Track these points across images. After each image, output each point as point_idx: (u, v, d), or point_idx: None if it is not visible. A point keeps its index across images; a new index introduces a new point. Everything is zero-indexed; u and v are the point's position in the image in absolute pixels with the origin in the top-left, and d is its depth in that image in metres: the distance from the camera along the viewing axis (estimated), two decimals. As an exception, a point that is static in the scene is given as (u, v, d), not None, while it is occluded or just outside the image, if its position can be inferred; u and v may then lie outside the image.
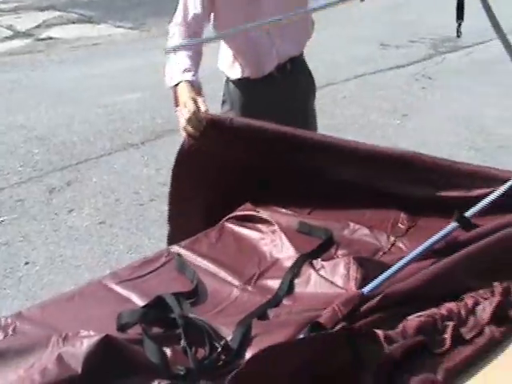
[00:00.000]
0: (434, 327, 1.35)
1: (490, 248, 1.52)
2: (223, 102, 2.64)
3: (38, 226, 3.93)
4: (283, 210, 1.96)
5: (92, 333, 1.33)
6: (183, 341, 1.36)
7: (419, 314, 1.38)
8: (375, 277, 1.47)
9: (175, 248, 1.81)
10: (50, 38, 8.20)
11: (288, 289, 1.58)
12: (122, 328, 1.42)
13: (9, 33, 8.55)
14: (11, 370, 1.27)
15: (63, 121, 5.44)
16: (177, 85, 2.10)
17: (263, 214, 1.90)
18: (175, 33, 2.27)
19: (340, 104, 5.52)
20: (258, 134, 1.98)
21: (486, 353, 1.33)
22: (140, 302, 1.55)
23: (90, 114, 5.55)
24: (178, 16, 2.31)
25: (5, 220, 4.01)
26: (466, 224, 1.64)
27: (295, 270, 1.63)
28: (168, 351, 1.35)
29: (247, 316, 1.46)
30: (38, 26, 8.65)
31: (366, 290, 1.43)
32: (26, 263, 3.57)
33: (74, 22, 8.80)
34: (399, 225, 1.84)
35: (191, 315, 1.44)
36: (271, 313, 1.50)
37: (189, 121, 1.93)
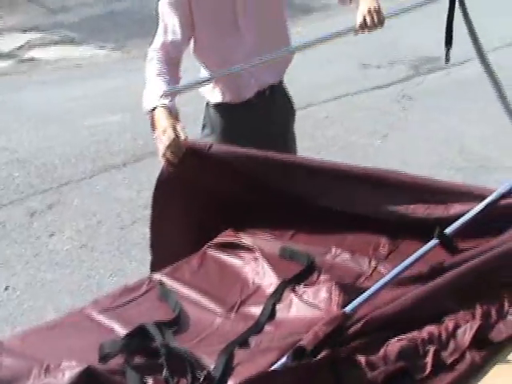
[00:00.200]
0: (416, 352, 1.36)
1: (471, 272, 1.53)
2: (203, 126, 2.64)
3: (18, 249, 3.89)
4: (265, 235, 1.96)
5: (74, 363, 1.33)
6: (165, 370, 1.36)
7: (400, 337, 1.39)
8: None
9: (157, 276, 1.81)
10: (33, 59, 8.18)
11: (270, 315, 1.59)
12: (103, 358, 1.41)
13: (-9, 54, 8.53)
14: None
15: (45, 143, 5.40)
16: (154, 109, 2.10)
17: (245, 239, 1.90)
18: (153, 57, 2.27)
19: (321, 125, 5.54)
20: (238, 159, 1.98)
21: (467, 378, 1.34)
22: (122, 331, 1.54)
23: (71, 136, 5.52)
24: (158, 41, 2.32)
25: (-15, 244, 3.98)
26: (447, 241, 1.66)
27: (277, 296, 1.63)
28: (150, 381, 1.35)
29: (229, 344, 1.46)
30: (21, 48, 8.62)
31: (348, 309, 1.44)
32: (6, 288, 3.53)
33: (56, 43, 8.78)
34: (380, 249, 1.85)
35: (173, 344, 1.44)
36: (253, 340, 1.50)
37: (168, 148, 1.94)
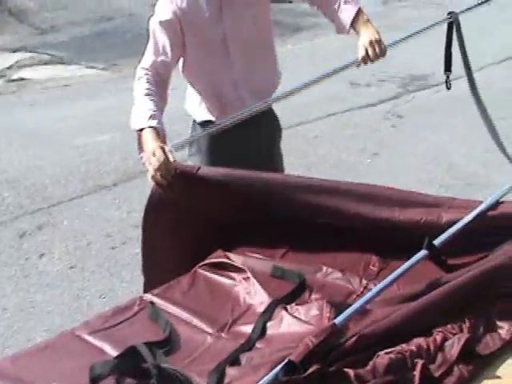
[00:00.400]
0: (404, 364, 1.36)
1: (461, 288, 1.54)
2: (190, 144, 2.65)
3: (8, 271, 3.86)
4: (256, 255, 1.96)
5: (65, 386, 1.32)
6: (157, 391, 1.35)
7: (389, 350, 1.39)
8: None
9: (147, 296, 1.80)
10: (22, 79, 8.18)
11: (261, 332, 1.59)
12: (94, 380, 1.40)
13: (-20, 75, 8.52)
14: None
15: (34, 163, 5.39)
16: (141, 129, 2.11)
17: (236, 259, 1.90)
18: (142, 77, 2.27)
19: (311, 143, 5.56)
20: (226, 181, 2.00)
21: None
22: (113, 352, 1.53)
23: (61, 156, 5.51)
24: (148, 59, 2.32)
25: (-26, 265, 3.95)
26: (435, 252, 1.67)
27: (268, 314, 1.63)
28: (141, 402, 1.34)
29: (220, 363, 1.46)
30: (10, 67, 8.62)
31: (337, 320, 1.45)
32: (-4, 310, 3.51)
33: (45, 63, 8.79)
34: (371, 267, 1.86)
35: (164, 365, 1.43)
36: (244, 357, 1.50)
37: (158, 170, 1.95)
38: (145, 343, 1.49)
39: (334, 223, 1.92)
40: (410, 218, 1.82)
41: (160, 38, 2.32)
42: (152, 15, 2.38)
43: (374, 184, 2.00)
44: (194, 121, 2.62)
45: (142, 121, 2.12)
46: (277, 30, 2.56)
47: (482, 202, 1.79)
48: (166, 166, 1.95)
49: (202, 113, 2.56)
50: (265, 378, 1.30)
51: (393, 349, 1.39)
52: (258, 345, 1.55)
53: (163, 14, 2.33)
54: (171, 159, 1.97)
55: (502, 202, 1.81)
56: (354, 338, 1.41)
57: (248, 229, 2.04)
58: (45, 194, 4.85)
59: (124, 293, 3.50)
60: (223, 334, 1.61)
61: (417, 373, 1.34)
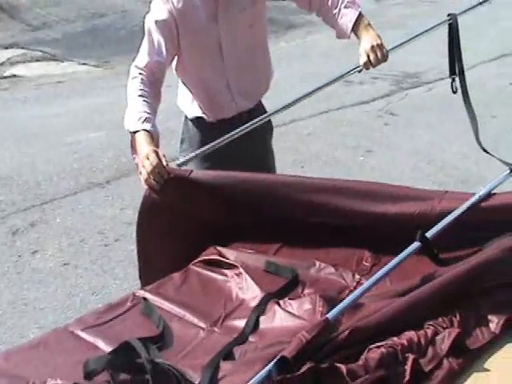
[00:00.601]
0: (395, 359, 1.37)
1: (452, 283, 1.55)
2: (182, 141, 2.66)
3: (1, 268, 3.86)
4: (249, 251, 1.96)
5: (59, 381, 1.32)
6: (151, 386, 1.35)
7: (380, 343, 1.40)
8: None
9: (140, 292, 1.80)
10: (14, 76, 8.15)
11: (254, 326, 1.59)
12: (88, 375, 1.40)
13: (-29, 71, 8.49)
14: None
15: (27, 160, 5.38)
16: (135, 132, 2.11)
17: (229, 255, 1.91)
18: (137, 76, 2.26)
19: (305, 140, 5.57)
20: (217, 182, 2.01)
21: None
22: (106, 347, 1.53)
23: (53, 153, 5.50)
24: (142, 59, 2.31)
25: (-33, 262, 3.94)
26: (428, 243, 1.67)
27: (261, 309, 1.64)
28: (135, 397, 1.34)
29: (214, 357, 1.46)
30: (2, 64, 8.59)
31: (330, 315, 1.45)
32: (-11, 307, 3.50)
33: (38, 60, 8.76)
34: (364, 262, 1.86)
35: (158, 360, 1.43)
36: (238, 351, 1.50)
37: (151, 173, 1.96)
38: (138, 338, 1.49)
39: (329, 220, 1.92)
40: (403, 211, 1.83)
41: (155, 37, 2.31)
42: (147, 12, 2.38)
43: (367, 181, 2.01)
44: (186, 117, 2.63)
45: (135, 123, 2.12)
46: (270, 28, 2.56)
47: (474, 194, 1.80)
48: (159, 170, 1.97)
49: (194, 109, 2.57)
50: (258, 375, 1.31)
51: (384, 342, 1.40)
52: (251, 338, 1.56)
53: (159, 12, 2.33)
54: (164, 163, 1.99)
55: (495, 194, 1.82)
56: (346, 332, 1.41)
57: (241, 228, 2.04)
58: (37, 191, 4.84)
59: (117, 290, 3.50)
60: (216, 329, 1.62)
61: (408, 367, 1.35)
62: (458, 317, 1.47)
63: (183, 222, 2.05)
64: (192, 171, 2.05)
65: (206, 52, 2.43)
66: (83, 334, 1.61)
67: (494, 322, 1.48)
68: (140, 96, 2.20)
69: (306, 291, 1.73)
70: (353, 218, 1.89)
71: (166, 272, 1.94)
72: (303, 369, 1.29)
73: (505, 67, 7.08)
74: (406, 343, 1.40)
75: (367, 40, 2.30)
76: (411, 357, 1.36)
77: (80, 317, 1.74)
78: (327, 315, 1.45)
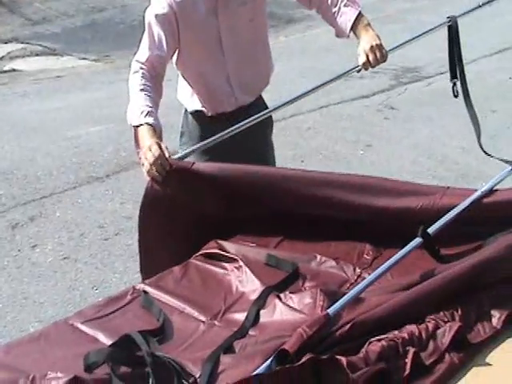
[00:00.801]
0: (396, 352, 1.37)
1: (454, 280, 1.54)
2: (182, 134, 2.66)
3: (1, 262, 3.85)
4: (250, 244, 1.96)
5: (59, 374, 1.32)
6: (151, 379, 1.36)
7: (381, 337, 1.40)
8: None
9: (140, 285, 1.80)
10: (14, 70, 8.13)
11: (254, 319, 1.59)
12: (89, 368, 1.40)
13: (-29, 66, 8.47)
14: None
15: (26, 154, 5.37)
16: (138, 126, 2.11)
17: (230, 248, 1.91)
18: (138, 71, 2.26)
19: (305, 135, 5.56)
20: (219, 175, 2.02)
21: (446, 380, 1.35)
22: (107, 340, 1.53)
23: (53, 148, 5.50)
24: (143, 54, 2.31)
25: (-33, 256, 3.94)
26: (429, 239, 1.67)
27: (261, 302, 1.64)
28: (136, 390, 1.34)
29: (214, 351, 1.46)
30: (1, 58, 8.57)
31: (331, 310, 1.45)
32: (-11, 301, 3.50)
33: (37, 55, 8.75)
34: (365, 256, 1.86)
35: (159, 353, 1.43)
36: (238, 345, 1.50)
37: (154, 164, 1.96)
38: (139, 331, 1.49)
39: (330, 214, 1.92)
40: (405, 206, 1.83)
41: (155, 31, 2.31)
42: (147, 7, 2.38)
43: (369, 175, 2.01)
44: (186, 110, 2.63)
45: (138, 117, 2.12)
46: (269, 22, 2.55)
47: (476, 191, 1.80)
48: (161, 161, 1.97)
49: (194, 103, 2.57)
50: (258, 370, 1.31)
51: (385, 336, 1.40)
52: (251, 332, 1.56)
53: (159, 6, 2.32)
54: (167, 155, 1.99)
55: (497, 190, 1.82)
56: (347, 326, 1.41)
57: (242, 221, 2.05)
58: (37, 185, 4.83)
59: (117, 284, 3.50)
60: (216, 322, 1.62)
61: (408, 360, 1.35)
62: (459, 311, 1.47)
63: (185, 214, 2.05)
64: (194, 163, 2.05)
65: (206, 46, 2.42)
66: (83, 327, 1.61)
67: (496, 317, 1.49)
68: (142, 90, 2.20)
69: (307, 285, 1.73)
70: (354, 212, 1.89)
71: (167, 264, 1.94)
72: (303, 359, 1.29)
73: (505, 61, 7.07)
74: (406, 336, 1.40)
75: (366, 40, 2.29)
76: (412, 350, 1.36)
77: (80, 310, 1.74)
78: (328, 310, 1.45)
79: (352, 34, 2.38)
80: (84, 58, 8.54)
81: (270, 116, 2.65)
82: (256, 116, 2.30)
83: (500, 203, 1.78)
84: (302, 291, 1.68)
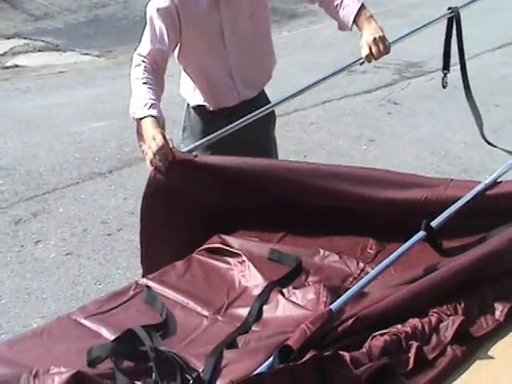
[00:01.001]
0: (399, 347, 1.37)
1: (457, 274, 1.54)
2: (184, 128, 2.65)
3: (3, 258, 3.86)
4: (253, 238, 1.96)
5: (63, 369, 1.32)
6: (155, 374, 1.36)
7: (384, 331, 1.39)
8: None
9: (143, 280, 1.80)
10: (16, 66, 8.14)
11: (257, 315, 1.59)
12: (92, 363, 1.40)
13: (-26, 62, 8.47)
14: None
15: (29, 150, 5.37)
16: (141, 118, 2.11)
17: (233, 242, 1.90)
18: (140, 64, 2.26)
19: (307, 129, 5.56)
20: (223, 167, 2.01)
21: (448, 373, 1.35)
22: (110, 335, 1.53)
23: (56, 143, 5.50)
24: (145, 47, 2.31)
25: (-30, 252, 3.95)
26: (433, 233, 1.67)
27: (264, 297, 1.64)
28: (139, 385, 1.34)
29: (217, 346, 1.46)
30: (4, 54, 8.57)
31: (333, 306, 1.45)
32: (-8, 296, 3.51)
33: (40, 50, 8.75)
34: (368, 250, 1.86)
35: (162, 348, 1.43)
36: (241, 340, 1.50)
37: (157, 154, 1.96)
38: (142, 326, 1.49)
39: (333, 205, 1.92)
40: (409, 198, 1.83)
41: (157, 25, 2.30)
42: (149, 1, 2.37)
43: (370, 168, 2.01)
44: (188, 105, 2.63)
45: (141, 110, 2.12)
46: (272, 17, 2.54)
47: (480, 183, 1.79)
48: (165, 151, 1.96)
49: (196, 97, 2.57)
50: (261, 367, 1.31)
51: (388, 330, 1.40)
52: (254, 328, 1.56)
53: (160, 0, 2.32)
54: (171, 145, 1.99)
55: (500, 182, 1.82)
56: (350, 321, 1.41)
57: (245, 215, 2.04)
58: (40, 180, 4.84)
59: (120, 279, 3.50)
60: (219, 317, 1.61)
61: (411, 355, 1.35)
62: (462, 304, 1.47)
63: (187, 204, 2.04)
64: (197, 155, 2.06)
65: (208, 40, 2.42)
66: (86, 322, 1.61)
67: (499, 310, 1.48)
68: (144, 83, 2.20)
69: (310, 279, 1.73)
70: (358, 203, 1.89)
71: (167, 255, 1.94)
72: (306, 357, 1.29)
73: (508, 56, 7.05)
74: (409, 331, 1.40)
75: (369, 32, 2.29)
76: (415, 344, 1.36)
77: (83, 305, 1.74)
78: (331, 306, 1.45)
79: (355, 27, 2.37)
80: (87, 54, 8.54)
81: (273, 111, 2.64)
82: (259, 110, 2.30)
83: (504, 195, 1.77)
84: (306, 286, 1.68)
